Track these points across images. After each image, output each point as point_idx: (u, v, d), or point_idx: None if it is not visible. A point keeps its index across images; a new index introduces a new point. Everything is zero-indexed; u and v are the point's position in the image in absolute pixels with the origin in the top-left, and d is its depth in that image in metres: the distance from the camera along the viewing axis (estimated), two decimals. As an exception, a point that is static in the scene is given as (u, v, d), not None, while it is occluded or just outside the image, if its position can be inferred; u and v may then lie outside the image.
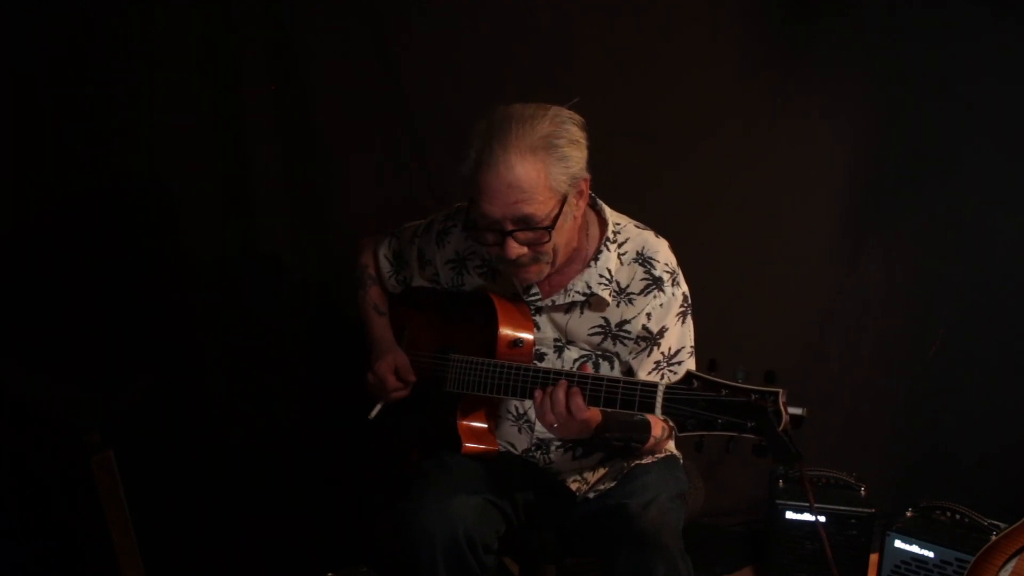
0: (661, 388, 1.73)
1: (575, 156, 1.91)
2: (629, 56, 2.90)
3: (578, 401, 1.86)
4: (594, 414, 1.90)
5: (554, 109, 1.92)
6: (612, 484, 2.19)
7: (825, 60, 3.06)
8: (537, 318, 2.11)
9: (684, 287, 2.11)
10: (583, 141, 1.93)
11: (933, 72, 3.08)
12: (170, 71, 2.53)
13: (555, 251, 1.98)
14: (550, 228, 1.92)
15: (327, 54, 2.66)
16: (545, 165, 1.88)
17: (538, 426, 2.12)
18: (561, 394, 1.88)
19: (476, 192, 1.91)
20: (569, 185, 1.92)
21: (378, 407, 2.28)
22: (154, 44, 2.49)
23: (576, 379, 1.87)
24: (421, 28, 2.73)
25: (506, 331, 2.06)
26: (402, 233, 2.34)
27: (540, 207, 1.89)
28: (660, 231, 2.16)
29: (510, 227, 1.91)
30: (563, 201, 1.93)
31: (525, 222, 1.90)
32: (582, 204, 2.01)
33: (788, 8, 3.02)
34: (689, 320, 2.12)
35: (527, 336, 2.08)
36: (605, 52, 2.89)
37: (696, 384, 1.69)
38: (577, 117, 1.94)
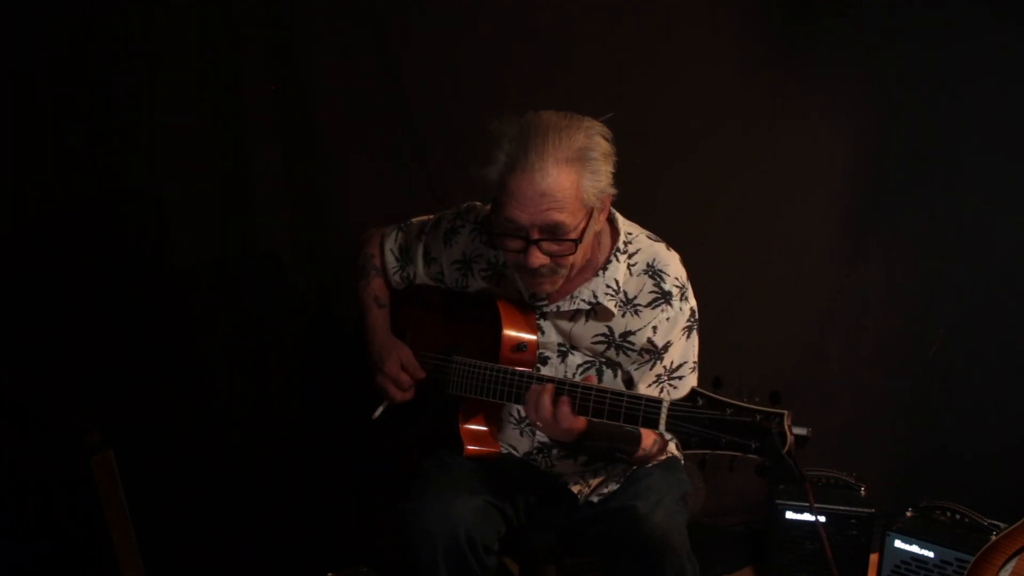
0: (665, 405, 1.73)
1: (605, 170, 1.91)
2: (629, 56, 2.90)
3: (565, 410, 1.87)
4: (579, 423, 1.90)
5: (587, 121, 1.91)
6: (615, 487, 2.18)
7: (825, 60, 3.06)
8: (542, 323, 2.11)
9: (692, 302, 2.11)
10: (612, 155, 1.92)
11: (933, 72, 3.08)
12: (170, 71, 2.52)
13: (572, 264, 1.98)
14: (578, 241, 1.92)
15: (327, 54, 2.66)
16: (579, 177, 1.87)
17: (540, 429, 2.12)
18: (547, 400, 1.88)
19: (505, 196, 1.89)
20: (596, 200, 1.92)
21: (382, 407, 2.28)
22: (154, 44, 2.48)
23: (580, 389, 1.87)
24: (421, 28, 2.73)
25: (510, 333, 2.05)
26: (409, 228, 2.33)
27: (569, 217, 1.88)
28: (659, 231, 2.16)
29: (536, 235, 1.90)
30: (590, 215, 1.93)
31: (553, 231, 1.89)
32: (602, 218, 2.01)
33: (788, 8, 3.02)
34: (695, 335, 2.12)
35: (531, 338, 2.07)
36: (605, 52, 2.89)
37: (700, 402, 1.69)
38: (607, 131, 1.93)
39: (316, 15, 2.63)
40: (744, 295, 3.14)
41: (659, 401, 1.74)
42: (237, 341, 2.75)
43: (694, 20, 2.96)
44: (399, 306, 2.36)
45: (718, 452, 1.67)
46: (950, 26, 3.03)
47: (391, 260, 2.33)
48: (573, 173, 1.87)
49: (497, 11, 2.77)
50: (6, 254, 2.45)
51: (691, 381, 2.12)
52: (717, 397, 1.68)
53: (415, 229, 2.31)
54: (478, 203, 2.22)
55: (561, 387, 1.89)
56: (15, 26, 2.35)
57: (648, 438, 2.04)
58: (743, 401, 1.66)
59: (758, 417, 1.63)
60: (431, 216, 2.32)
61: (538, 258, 1.92)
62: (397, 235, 2.34)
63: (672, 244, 2.15)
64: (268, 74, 2.63)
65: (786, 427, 1.61)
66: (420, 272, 2.29)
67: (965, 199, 3.17)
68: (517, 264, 1.99)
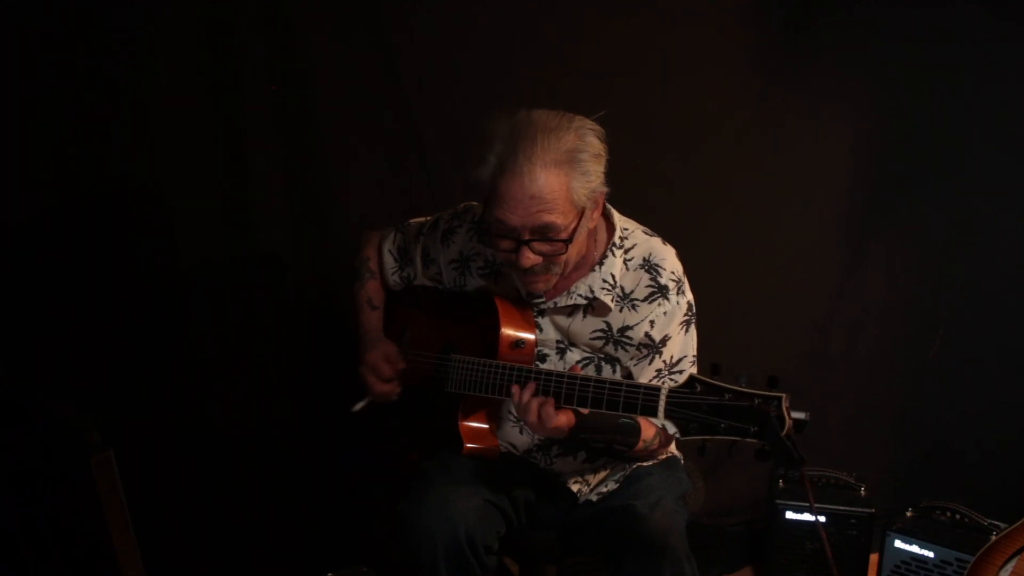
0: (664, 392, 1.73)
1: (596, 170, 1.91)
2: (629, 56, 2.90)
3: (548, 410, 1.88)
4: (568, 419, 1.91)
5: (578, 120, 1.92)
6: (615, 486, 2.19)
7: (825, 60, 3.06)
8: (539, 320, 2.11)
9: (689, 296, 2.11)
10: (604, 154, 1.93)
11: (933, 72, 3.08)
12: (170, 71, 2.52)
13: (566, 262, 1.98)
14: (568, 241, 1.92)
15: (327, 54, 2.66)
16: (568, 179, 1.88)
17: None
18: (534, 401, 1.89)
19: (495, 198, 1.90)
20: (588, 200, 1.92)
21: (364, 401, 2.28)
22: (154, 44, 2.49)
23: (579, 381, 1.87)
24: (422, 28, 2.73)
25: (508, 331, 2.05)
26: (407, 229, 2.34)
27: (560, 218, 1.89)
28: (660, 233, 2.16)
29: (528, 236, 1.91)
30: (581, 214, 1.93)
31: (543, 233, 1.90)
32: (596, 216, 2.01)
33: (789, 8, 3.02)
34: (693, 329, 2.12)
35: (529, 337, 2.08)
36: (605, 52, 2.89)
37: (699, 388, 1.69)
38: (599, 129, 1.93)
39: (317, 14, 2.63)
40: (745, 295, 3.14)
41: (657, 388, 1.74)
42: (237, 341, 2.75)
43: (695, 20, 2.96)
44: (397, 306, 2.37)
45: (717, 437, 1.67)
46: (950, 26, 3.04)
47: (389, 261, 2.34)
48: (563, 175, 1.87)
49: (498, 11, 2.77)
50: (7, 254, 2.45)
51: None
52: (715, 383, 1.68)
53: (413, 230, 2.32)
54: (475, 203, 2.23)
55: (560, 380, 1.89)
56: (15, 26, 2.35)
57: (649, 429, 2.04)
58: (741, 386, 1.66)
59: (756, 401, 1.63)
60: (428, 218, 2.32)
61: (529, 258, 1.93)
62: (395, 236, 2.34)
63: (673, 244, 2.15)
64: (268, 74, 2.63)
65: (784, 410, 1.61)
66: (419, 273, 2.29)
67: (965, 199, 3.18)
68: (510, 264, 1.99)
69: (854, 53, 3.07)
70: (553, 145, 1.86)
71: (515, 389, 1.93)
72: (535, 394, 1.91)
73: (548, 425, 1.90)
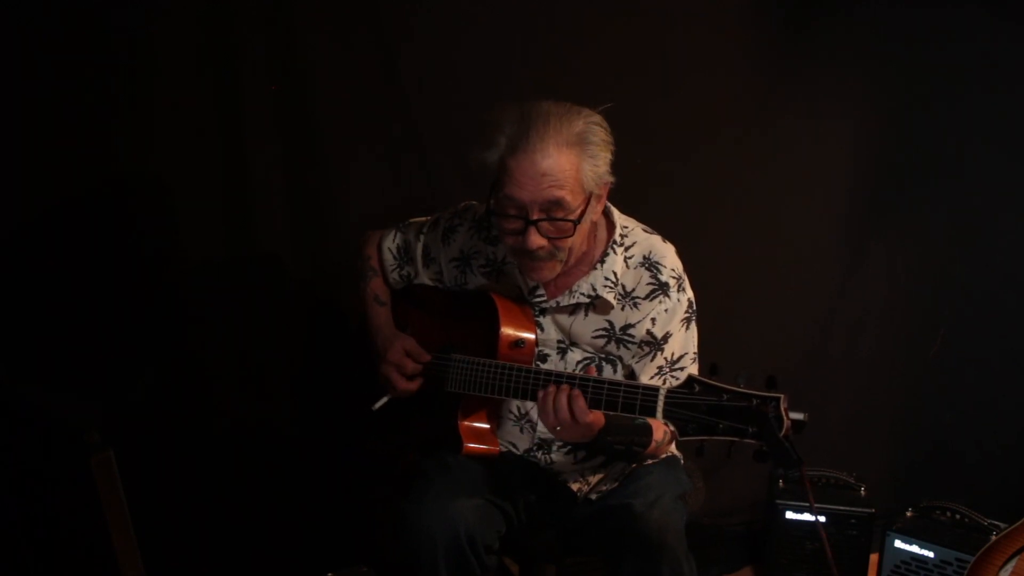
0: (662, 392, 1.74)
1: (604, 157, 1.94)
2: (630, 57, 2.90)
3: (581, 404, 1.87)
4: (597, 417, 1.90)
5: (585, 110, 1.95)
6: (614, 485, 2.19)
7: (825, 60, 3.06)
8: (541, 319, 2.12)
9: (689, 293, 2.12)
10: (610, 144, 1.95)
11: (934, 72, 3.08)
12: (170, 71, 2.52)
13: (570, 251, 1.99)
14: (576, 221, 1.93)
15: (328, 53, 2.66)
16: (579, 160, 1.90)
17: (540, 426, 2.12)
18: (563, 399, 1.88)
19: (506, 176, 1.92)
20: (595, 185, 1.94)
21: (384, 399, 2.27)
22: (154, 44, 2.48)
23: (577, 381, 1.87)
24: (422, 27, 2.73)
25: (508, 331, 2.06)
26: (408, 228, 2.34)
27: (569, 196, 1.91)
28: (660, 232, 2.16)
29: (536, 215, 1.91)
30: (588, 200, 1.94)
31: (552, 210, 1.91)
32: (599, 208, 2.02)
33: (789, 8, 3.02)
34: (693, 326, 2.13)
35: (529, 336, 2.08)
36: (605, 52, 2.89)
37: (697, 388, 1.70)
38: (604, 121, 1.96)
39: (317, 15, 2.63)
40: (745, 295, 3.14)
41: (656, 388, 1.75)
42: (237, 341, 2.75)
43: (695, 20, 2.96)
44: (398, 306, 2.37)
45: (715, 438, 1.68)
46: (950, 26, 3.04)
47: (389, 259, 2.34)
48: (573, 156, 1.89)
49: (498, 11, 2.77)
50: (7, 253, 2.45)
51: (692, 372, 2.13)
52: (714, 383, 1.69)
53: (414, 229, 2.32)
54: (475, 202, 2.23)
55: (559, 380, 1.89)
56: (15, 26, 2.35)
57: (659, 429, 2.04)
58: (740, 386, 1.67)
59: (754, 402, 1.64)
60: (429, 217, 2.32)
61: (537, 239, 1.93)
62: (395, 235, 2.34)
63: (673, 244, 2.16)
64: (268, 74, 2.63)
65: (782, 411, 1.62)
66: (420, 271, 2.30)
67: (966, 199, 3.18)
68: (516, 248, 1.99)
69: (854, 53, 3.06)
70: (564, 127, 1.89)
71: (541, 394, 1.91)
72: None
73: (583, 420, 1.88)
